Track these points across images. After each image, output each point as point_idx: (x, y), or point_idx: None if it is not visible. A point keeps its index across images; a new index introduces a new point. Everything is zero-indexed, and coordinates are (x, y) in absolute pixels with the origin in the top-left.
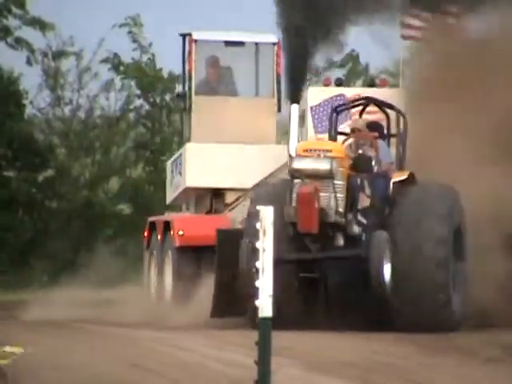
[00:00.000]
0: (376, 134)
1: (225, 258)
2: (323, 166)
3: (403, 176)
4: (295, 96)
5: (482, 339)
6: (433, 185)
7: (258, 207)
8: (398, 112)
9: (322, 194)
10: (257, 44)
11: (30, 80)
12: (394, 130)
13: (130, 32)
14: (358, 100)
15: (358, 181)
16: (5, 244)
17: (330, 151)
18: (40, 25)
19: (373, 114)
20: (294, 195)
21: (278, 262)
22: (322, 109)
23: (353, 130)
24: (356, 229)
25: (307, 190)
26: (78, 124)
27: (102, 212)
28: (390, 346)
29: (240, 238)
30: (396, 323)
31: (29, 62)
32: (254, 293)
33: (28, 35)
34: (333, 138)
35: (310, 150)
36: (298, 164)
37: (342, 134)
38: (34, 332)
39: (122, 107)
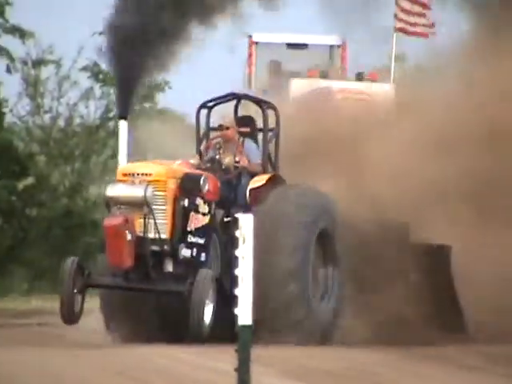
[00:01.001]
0: (246, 129)
1: None
2: (136, 192)
3: (261, 181)
4: (123, 111)
5: (461, 348)
6: (294, 188)
7: (236, 215)
8: (270, 107)
9: (138, 222)
10: (320, 46)
11: (10, 88)
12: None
13: None
14: (226, 96)
15: (186, 202)
16: None
17: (149, 175)
18: (20, 33)
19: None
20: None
21: (93, 286)
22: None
23: (220, 127)
24: (186, 252)
25: (114, 221)
26: (58, 132)
27: (81, 220)
28: (372, 354)
29: None
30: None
31: (8, 71)
32: None
33: (7, 43)
34: (200, 137)
35: (128, 175)
36: (110, 191)
37: (214, 129)
38: (14, 340)
39: (102, 116)
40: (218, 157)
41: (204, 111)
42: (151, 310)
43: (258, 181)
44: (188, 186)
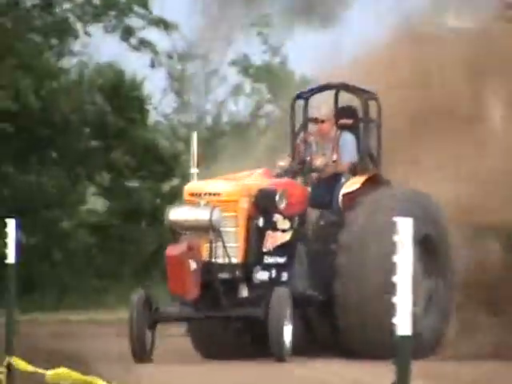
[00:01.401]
0: (347, 121)
1: None
2: (201, 216)
3: (356, 184)
4: None
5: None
6: (390, 191)
7: (395, 218)
8: (371, 97)
9: (205, 248)
10: None
11: (154, 84)
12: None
13: (259, 33)
14: (324, 86)
15: (261, 222)
16: (127, 257)
17: (218, 195)
18: (164, 25)
19: None
20: None
21: (162, 320)
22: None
23: (315, 120)
24: (263, 275)
25: (176, 250)
26: (205, 131)
27: None
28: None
29: None
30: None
31: (152, 65)
32: None
33: (152, 37)
34: (295, 133)
35: (195, 195)
36: (174, 215)
37: (313, 120)
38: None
39: (252, 113)
40: (308, 158)
41: (300, 103)
42: (236, 330)
43: (354, 183)
44: (262, 204)
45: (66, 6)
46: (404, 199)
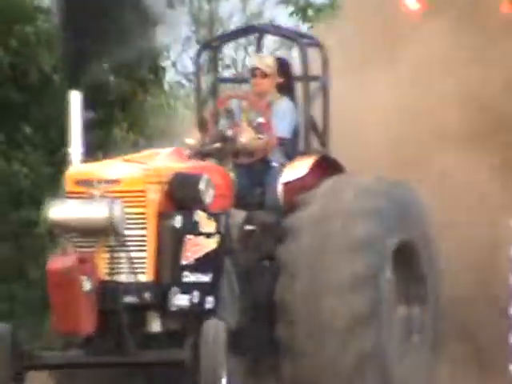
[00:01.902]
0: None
1: None
2: (96, 213)
3: (301, 170)
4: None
5: None
6: (353, 181)
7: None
8: (313, 44)
9: (102, 260)
10: None
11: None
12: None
13: None
14: (241, 30)
15: (178, 221)
16: None
17: (117, 182)
18: None
19: None
20: None
21: (37, 367)
22: None
23: (253, 71)
24: (181, 300)
25: (60, 263)
26: None
27: None
28: None
29: None
30: None
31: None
32: None
33: None
34: (202, 97)
35: (84, 183)
36: (54, 213)
37: (226, 80)
38: None
39: None
40: (230, 132)
41: (207, 55)
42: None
43: (297, 168)
44: (180, 196)
45: None
46: (374, 192)
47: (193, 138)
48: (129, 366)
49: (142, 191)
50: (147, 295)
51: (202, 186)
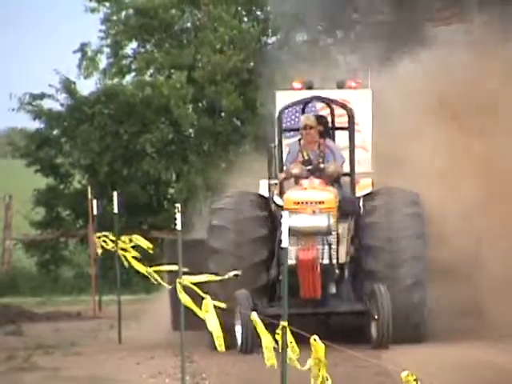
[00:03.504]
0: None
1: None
2: (321, 223)
3: (368, 188)
4: None
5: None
6: (398, 194)
7: None
8: (342, 106)
9: (321, 251)
10: None
11: None
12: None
13: None
14: (304, 99)
15: (346, 227)
16: None
17: (322, 203)
18: None
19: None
20: (291, 255)
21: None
22: (291, 113)
23: (305, 127)
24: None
25: (309, 255)
26: None
27: None
28: None
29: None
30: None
31: None
32: None
33: None
34: (279, 138)
35: (302, 203)
36: (294, 222)
37: (290, 130)
38: None
39: None
40: (322, 165)
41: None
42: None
43: (365, 187)
44: (348, 210)
45: None
46: (412, 201)
47: (296, 169)
48: (330, 314)
49: (334, 208)
50: (341, 271)
51: (360, 203)
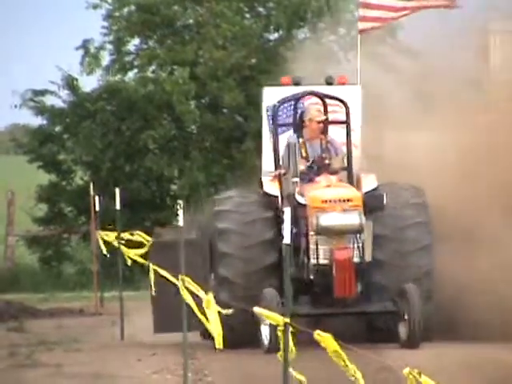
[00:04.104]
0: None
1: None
2: (353, 221)
3: (373, 183)
4: None
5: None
6: (403, 188)
7: None
8: (340, 101)
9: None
10: None
11: None
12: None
13: None
14: (301, 94)
15: (371, 224)
16: None
17: (350, 200)
18: None
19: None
20: (322, 255)
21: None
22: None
23: (310, 120)
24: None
25: (345, 255)
26: None
27: None
28: None
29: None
30: None
31: None
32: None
33: None
34: (275, 134)
35: (330, 201)
36: (325, 220)
37: (284, 125)
38: None
39: None
40: (327, 161)
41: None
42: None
43: (370, 183)
44: (374, 206)
45: None
46: (416, 194)
47: (303, 166)
48: (358, 314)
49: (361, 206)
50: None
51: (384, 198)
